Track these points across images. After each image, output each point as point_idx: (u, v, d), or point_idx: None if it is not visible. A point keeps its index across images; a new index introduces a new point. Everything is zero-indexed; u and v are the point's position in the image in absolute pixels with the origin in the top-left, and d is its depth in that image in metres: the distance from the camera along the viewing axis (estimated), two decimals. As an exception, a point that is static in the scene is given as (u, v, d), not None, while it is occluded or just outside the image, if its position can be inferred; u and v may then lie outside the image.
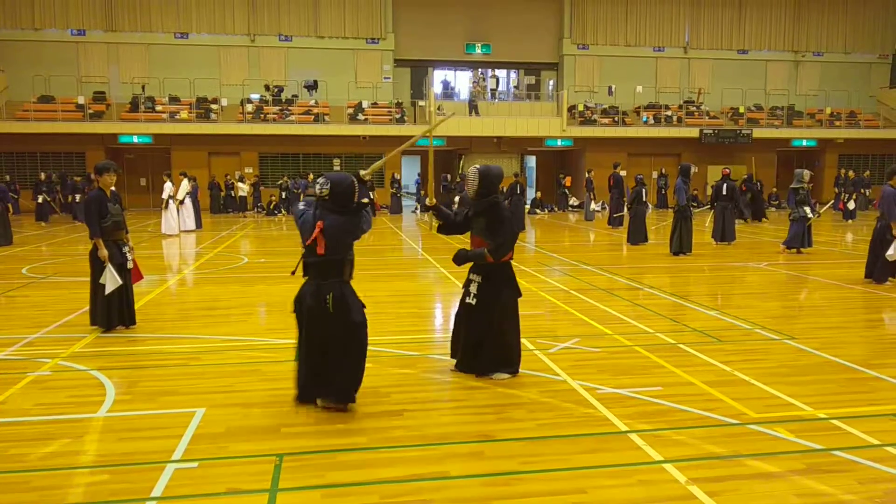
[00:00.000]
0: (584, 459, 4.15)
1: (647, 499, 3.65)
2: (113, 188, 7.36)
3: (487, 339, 5.62)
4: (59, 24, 28.65)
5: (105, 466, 4.06)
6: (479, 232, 5.66)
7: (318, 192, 4.81)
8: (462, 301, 5.77)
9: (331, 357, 4.81)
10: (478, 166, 5.71)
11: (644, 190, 16.31)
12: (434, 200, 5.91)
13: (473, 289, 5.64)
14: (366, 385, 5.57)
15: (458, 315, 5.86)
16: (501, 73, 32.97)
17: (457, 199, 23.72)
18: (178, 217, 18.59)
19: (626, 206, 18.28)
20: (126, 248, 7.40)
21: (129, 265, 7.42)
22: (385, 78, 30.97)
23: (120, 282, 7.19)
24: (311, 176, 25.20)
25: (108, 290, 7.15)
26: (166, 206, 18.28)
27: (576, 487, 3.78)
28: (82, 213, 22.33)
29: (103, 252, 7.13)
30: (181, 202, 18.95)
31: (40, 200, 22.66)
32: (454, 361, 5.93)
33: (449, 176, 24.75)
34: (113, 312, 7.29)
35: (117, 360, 6.38)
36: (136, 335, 7.28)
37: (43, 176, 24.09)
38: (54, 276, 11.32)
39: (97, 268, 7.21)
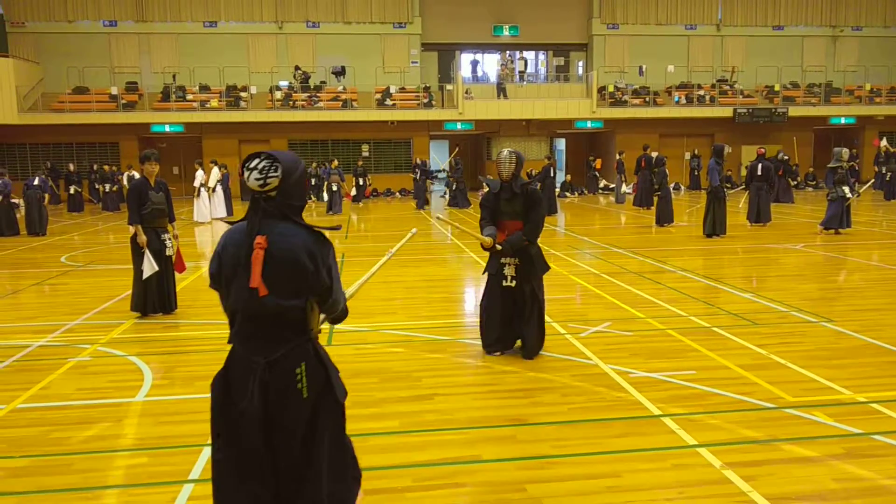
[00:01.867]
0: (616, 443, 4.13)
1: (682, 483, 3.62)
2: (158, 177, 7.58)
3: (534, 316, 5.74)
4: (91, 15, 29.06)
5: (144, 449, 4.15)
6: (514, 215, 5.70)
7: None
8: (497, 286, 5.77)
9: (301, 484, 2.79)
10: (511, 149, 5.78)
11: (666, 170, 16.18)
12: (491, 242, 5.64)
13: (510, 272, 5.70)
14: (397, 369, 5.63)
15: (490, 302, 5.84)
16: (530, 54, 32.63)
17: (485, 186, 23.40)
18: (209, 205, 18.82)
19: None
20: (166, 236, 7.56)
21: (169, 252, 7.55)
22: (412, 62, 30.86)
23: (156, 268, 7.33)
24: (336, 162, 24.92)
25: (144, 276, 7.32)
26: (198, 194, 18.53)
27: (609, 471, 3.77)
28: (116, 203, 22.72)
29: (142, 238, 7.31)
30: (213, 190, 19.17)
31: (72, 192, 23.16)
32: (468, 345, 5.92)
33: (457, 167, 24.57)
34: (150, 298, 7.45)
35: (155, 345, 6.51)
36: (173, 321, 7.42)
37: (72, 167, 24.58)
38: (92, 265, 11.56)
39: (137, 254, 7.40)
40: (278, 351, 2.70)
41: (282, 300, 2.67)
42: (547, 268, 5.89)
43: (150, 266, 7.30)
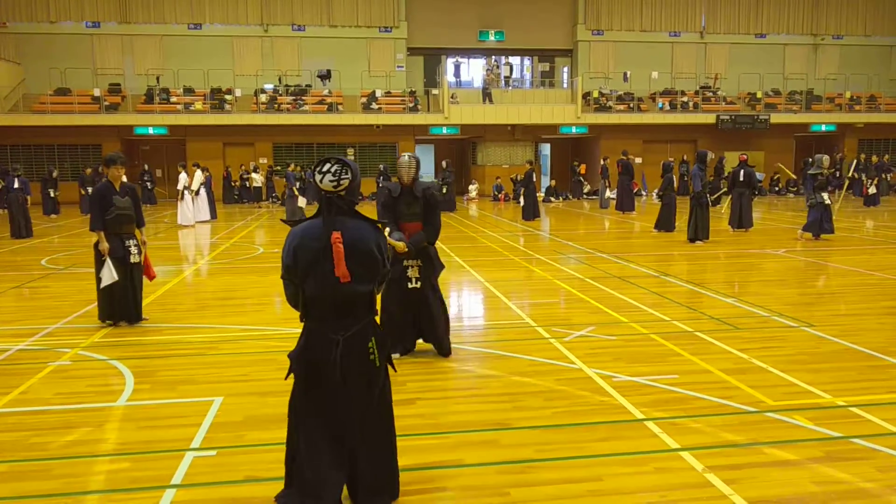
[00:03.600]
0: (599, 447, 4.15)
1: (664, 486, 3.64)
2: (125, 180, 7.27)
3: (441, 314, 5.95)
4: (73, 16, 28.82)
5: (125, 454, 4.11)
6: (414, 217, 5.86)
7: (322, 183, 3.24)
8: (400, 290, 5.84)
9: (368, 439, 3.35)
10: (412, 154, 6.00)
11: (673, 177, 16.10)
12: (405, 247, 5.75)
13: (414, 273, 5.84)
14: (381, 374, 5.60)
15: (392, 305, 5.89)
16: (515, 60, 32.77)
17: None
18: (192, 208, 18.70)
19: (658, 194, 18.22)
20: (131, 243, 7.18)
21: (135, 259, 7.19)
22: (398, 67, 30.89)
23: (116, 277, 6.94)
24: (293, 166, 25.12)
25: (102, 284, 7.00)
26: (181, 197, 18.40)
27: (591, 475, 3.78)
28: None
29: (103, 245, 6.99)
30: (196, 193, 19.06)
31: (52, 195, 22.97)
32: (466, 350, 5.93)
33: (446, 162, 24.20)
34: (114, 307, 7.12)
35: (136, 349, 6.45)
36: (154, 325, 7.35)
37: (55, 173, 24.42)
38: (73, 268, 11.43)
39: (99, 261, 7.07)
40: (353, 328, 3.23)
41: (359, 286, 3.20)
42: (442, 266, 6.07)
43: (109, 275, 6.93)
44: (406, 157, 5.89)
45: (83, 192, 23.39)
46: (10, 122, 26.16)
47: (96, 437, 4.38)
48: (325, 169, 3.20)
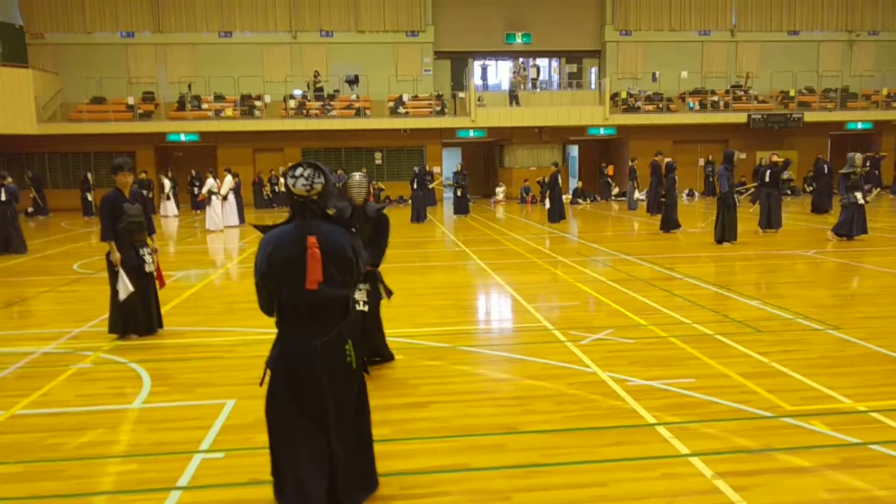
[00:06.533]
0: (608, 452, 4.09)
1: (670, 492, 3.58)
2: (136, 187, 7.09)
3: (379, 334, 5.92)
4: (108, 27, 29.49)
5: (136, 456, 4.18)
6: (364, 237, 5.49)
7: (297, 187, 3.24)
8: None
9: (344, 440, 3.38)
10: (363, 174, 5.83)
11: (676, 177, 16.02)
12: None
13: (362, 297, 5.61)
14: (394, 376, 5.63)
15: None
16: (542, 61, 32.63)
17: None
18: (221, 213, 18.98)
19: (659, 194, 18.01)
20: (145, 251, 6.94)
21: (149, 268, 6.96)
22: (425, 70, 30.98)
23: (131, 289, 6.71)
24: (364, 170, 25.56)
25: (121, 297, 6.73)
26: (210, 203, 18.69)
27: (597, 480, 3.73)
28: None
29: (115, 255, 6.73)
30: (224, 198, 19.33)
31: (89, 198, 23.67)
32: (467, 352, 5.91)
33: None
34: (129, 320, 6.86)
35: (156, 352, 6.55)
36: (177, 329, 7.46)
37: (91, 176, 25.21)
38: (103, 272, 11.65)
39: (112, 273, 6.82)
40: (331, 332, 3.23)
41: (334, 290, 3.20)
42: (390, 292, 5.78)
43: (125, 287, 6.67)
44: (357, 177, 5.69)
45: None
46: (49, 132, 26.84)
47: (109, 438, 4.46)
48: (297, 173, 3.20)
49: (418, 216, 20.20)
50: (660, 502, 3.49)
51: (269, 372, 3.31)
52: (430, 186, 26.18)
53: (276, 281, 3.20)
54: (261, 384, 3.35)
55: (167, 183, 24.18)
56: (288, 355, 3.24)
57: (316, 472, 3.24)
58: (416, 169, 21.64)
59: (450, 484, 3.73)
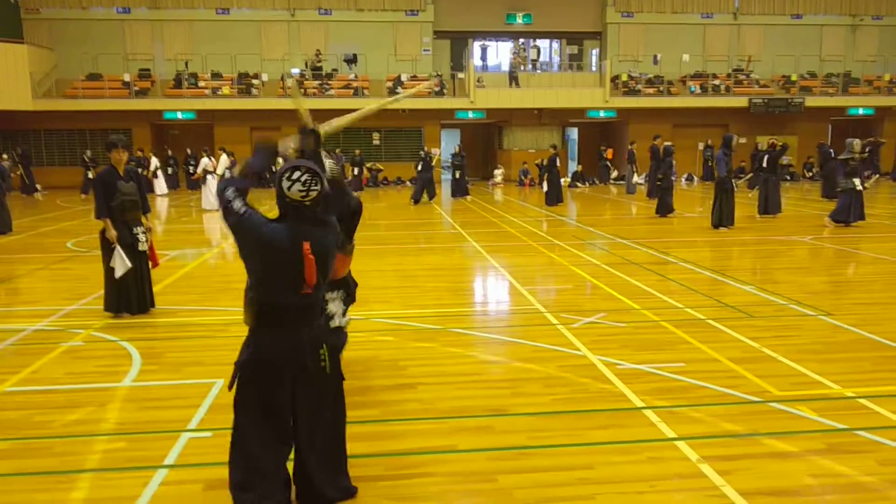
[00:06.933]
0: (594, 435, 4.10)
1: (655, 476, 3.59)
2: (133, 165, 7.13)
3: None
4: (105, 2, 29.14)
5: (123, 434, 4.18)
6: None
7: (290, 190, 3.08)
8: None
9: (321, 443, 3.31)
10: (335, 157, 4.99)
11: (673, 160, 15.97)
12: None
13: (339, 307, 5.28)
14: (384, 358, 5.63)
15: None
16: (543, 43, 32.37)
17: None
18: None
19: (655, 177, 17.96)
20: (139, 230, 6.93)
21: (142, 247, 6.96)
22: (424, 50, 30.71)
23: (129, 265, 6.73)
24: (359, 151, 25.79)
25: (117, 274, 6.74)
26: (205, 181, 18.63)
27: (583, 463, 3.74)
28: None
29: (111, 233, 6.72)
30: (221, 177, 19.25)
31: (90, 176, 23.55)
32: (459, 334, 5.91)
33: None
34: (122, 297, 6.88)
35: (147, 331, 6.54)
36: (169, 308, 7.44)
37: (89, 154, 25.00)
38: (96, 250, 11.62)
39: (107, 250, 6.81)
40: (310, 333, 3.15)
41: (319, 293, 3.16)
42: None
43: (122, 263, 6.69)
44: (328, 164, 5.28)
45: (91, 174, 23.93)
46: (44, 108, 26.62)
47: (98, 416, 4.46)
48: (294, 177, 3.03)
49: (427, 195, 20.44)
50: (643, 486, 3.50)
51: (238, 374, 3.14)
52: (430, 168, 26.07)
53: (262, 274, 3.10)
54: (230, 388, 3.15)
55: (153, 161, 24.09)
56: (263, 354, 3.09)
57: (280, 478, 3.19)
58: (421, 153, 21.77)
59: (436, 465, 3.73)
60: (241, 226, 3.04)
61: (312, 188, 3.04)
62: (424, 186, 20.33)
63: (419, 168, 20.68)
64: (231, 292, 8.27)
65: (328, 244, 3.14)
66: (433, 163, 25.39)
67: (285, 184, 3.04)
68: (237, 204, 3.06)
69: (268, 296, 3.08)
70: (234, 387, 3.15)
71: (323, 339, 3.21)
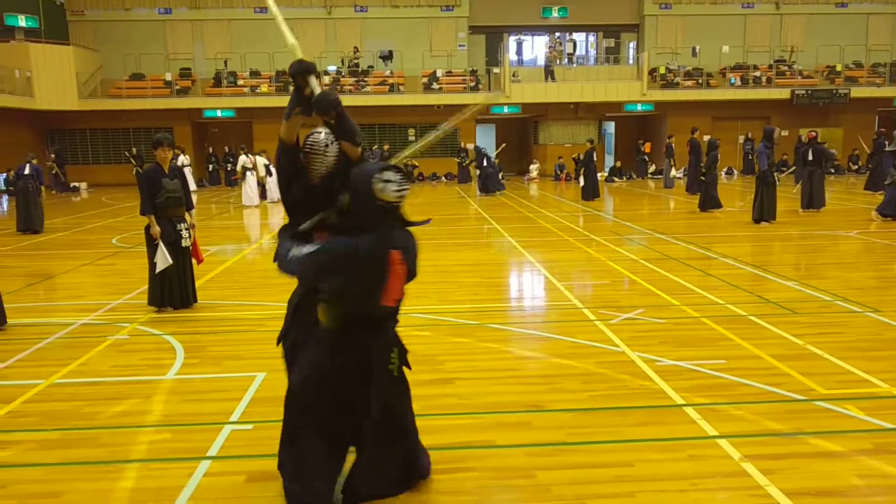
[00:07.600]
0: (634, 432, 4.06)
1: (696, 474, 3.54)
2: (177, 163, 7.34)
3: None
4: (147, 3, 29.80)
5: (168, 426, 4.28)
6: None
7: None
8: None
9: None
10: (327, 131, 3.77)
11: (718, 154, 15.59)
12: None
13: None
14: (421, 353, 5.63)
15: None
16: (579, 36, 32.07)
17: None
18: (256, 188, 19.19)
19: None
20: (182, 226, 7.09)
21: (186, 243, 7.12)
22: (460, 46, 30.70)
23: (170, 261, 6.91)
24: (388, 146, 25.75)
25: (158, 269, 6.94)
26: (243, 178, 18.92)
27: (622, 460, 3.70)
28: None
29: (155, 229, 6.92)
30: (267, 176, 19.56)
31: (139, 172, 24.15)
32: (495, 329, 5.89)
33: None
34: (165, 292, 7.06)
35: (191, 325, 6.68)
36: (211, 302, 7.58)
37: (135, 151, 25.53)
38: (140, 246, 11.90)
39: (151, 246, 7.02)
40: (380, 339, 3.16)
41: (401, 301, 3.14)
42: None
43: (163, 259, 6.89)
44: (322, 136, 4.51)
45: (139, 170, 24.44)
46: (89, 107, 27.36)
47: (143, 408, 4.57)
48: (387, 177, 2.91)
49: (486, 188, 21.48)
50: (685, 484, 3.45)
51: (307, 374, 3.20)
52: (464, 164, 26.14)
53: (357, 290, 3.02)
54: (294, 388, 3.24)
55: (181, 157, 24.48)
56: (334, 355, 3.12)
57: (331, 478, 3.25)
58: (477, 147, 23.15)
59: (474, 460, 3.74)
60: (334, 263, 2.94)
61: (404, 188, 2.94)
62: (486, 180, 21.40)
63: (484, 163, 21.73)
64: (269, 287, 8.39)
65: (412, 249, 3.10)
66: (468, 160, 25.58)
67: (378, 185, 2.90)
68: (306, 248, 2.96)
69: (354, 307, 3.04)
70: (297, 385, 3.21)
71: (394, 342, 3.23)
